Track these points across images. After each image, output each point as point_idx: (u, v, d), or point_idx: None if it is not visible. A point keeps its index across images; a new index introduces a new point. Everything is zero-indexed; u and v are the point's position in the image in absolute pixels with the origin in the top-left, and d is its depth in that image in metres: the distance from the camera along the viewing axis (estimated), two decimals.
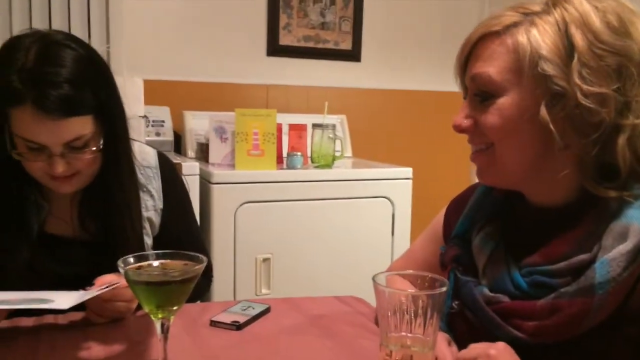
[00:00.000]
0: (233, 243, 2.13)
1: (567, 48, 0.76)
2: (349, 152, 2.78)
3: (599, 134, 0.76)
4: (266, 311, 1.11)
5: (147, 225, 1.24)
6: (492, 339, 0.79)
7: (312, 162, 2.37)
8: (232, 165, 2.20)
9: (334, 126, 2.38)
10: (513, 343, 0.77)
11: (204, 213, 2.12)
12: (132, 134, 1.20)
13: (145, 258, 0.83)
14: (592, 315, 0.75)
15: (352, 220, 2.29)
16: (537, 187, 0.85)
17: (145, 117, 2.27)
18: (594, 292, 0.74)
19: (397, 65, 3.05)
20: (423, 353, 0.71)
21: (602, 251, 0.76)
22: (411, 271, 0.81)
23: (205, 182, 2.14)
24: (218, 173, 2.11)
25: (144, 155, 1.26)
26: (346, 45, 2.93)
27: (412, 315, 0.70)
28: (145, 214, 1.23)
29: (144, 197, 1.23)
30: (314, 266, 2.25)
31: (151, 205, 1.24)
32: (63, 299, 0.94)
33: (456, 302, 0.90)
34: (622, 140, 0.76)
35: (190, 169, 2.09)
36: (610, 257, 0.74)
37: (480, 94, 0.82)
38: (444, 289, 0.70)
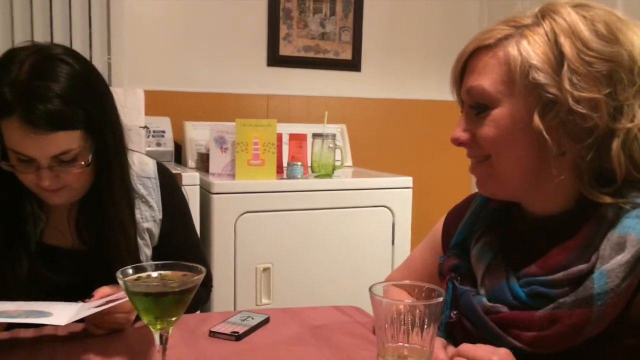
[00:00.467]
0: (233, 253, 2.13)
1: (557, 57, 0.77)
2: (349, 162, 2.78)
3: (593, 138, 0.77)
4: (265, 321, 1.11)
5: (146, 236, 1.24)
6: None
7: (313, 171, 2.37)
8: (233, 175, 2.21)
9: (334, 136, 2.38)
10: (513, 353, 0.77)
11: (204, 223, 2.12)
12: (132, 144, 1.20)
13: (143, 269, 0.83)
14: (591, 326, 0.75)
15: (352, 230, 2.29)
16: (535, 196, 0.86)
17: (145, 127, 2.28)
18: (592, 303, 0.74)
19: (397, 75, 3.06)
20: None
21: (600, 261, 0.76)
22: (408, 281, 0.81)
23: (206, 192, 2.14)
24: (218, 183, 2.11)
25: (143, 165, 1.26)
26: (346, 55, 2.95)
27: (409, 325, 0.70)
28: (144, 224, 1.23)
29: (143, 207, 1.23)
30: (315, 276, 2.25)
31: (150, 216, 1.24)
32: (62, 313, 0.94)
33: (454, 312, 0.90)
34: (616, 144, 0.77)
35: (190, 179, 2.10)
36: (609, 267, 0.74)
37: (475, 106, 0.84)
38: (441, 299, 0.71)
